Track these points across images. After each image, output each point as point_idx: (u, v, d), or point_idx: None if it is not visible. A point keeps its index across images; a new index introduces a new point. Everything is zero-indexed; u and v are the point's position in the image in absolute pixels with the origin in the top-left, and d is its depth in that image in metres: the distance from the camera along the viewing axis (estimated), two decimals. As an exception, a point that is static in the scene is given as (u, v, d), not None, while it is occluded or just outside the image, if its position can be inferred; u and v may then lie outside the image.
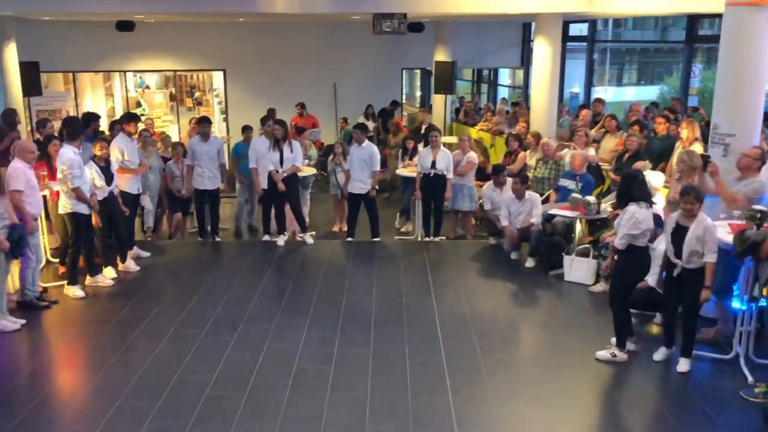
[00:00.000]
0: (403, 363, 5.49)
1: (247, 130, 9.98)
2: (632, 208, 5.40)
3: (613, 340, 5.72)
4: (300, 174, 9.12)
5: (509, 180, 8.58)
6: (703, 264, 5.12)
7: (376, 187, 8.94)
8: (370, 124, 14.04)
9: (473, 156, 9.32)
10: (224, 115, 16.52)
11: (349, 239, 9.04)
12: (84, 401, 5.02)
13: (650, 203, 5.54)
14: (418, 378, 5.25)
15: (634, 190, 5.45)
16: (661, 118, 9.06)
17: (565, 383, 5.24)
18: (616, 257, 5.64)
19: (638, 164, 7.76)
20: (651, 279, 5.76)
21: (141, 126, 8.76)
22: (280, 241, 8.74)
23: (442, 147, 8.91)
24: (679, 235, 5.18)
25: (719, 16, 6.44)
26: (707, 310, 6.18)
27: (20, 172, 6.25)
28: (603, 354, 5.58)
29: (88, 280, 7.14)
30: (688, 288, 5.21)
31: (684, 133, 7.87)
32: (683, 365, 5.34)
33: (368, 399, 4.94)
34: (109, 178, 7.32)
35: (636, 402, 5.06)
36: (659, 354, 5.52)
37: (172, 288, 7.25)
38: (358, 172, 8.73)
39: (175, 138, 13.24)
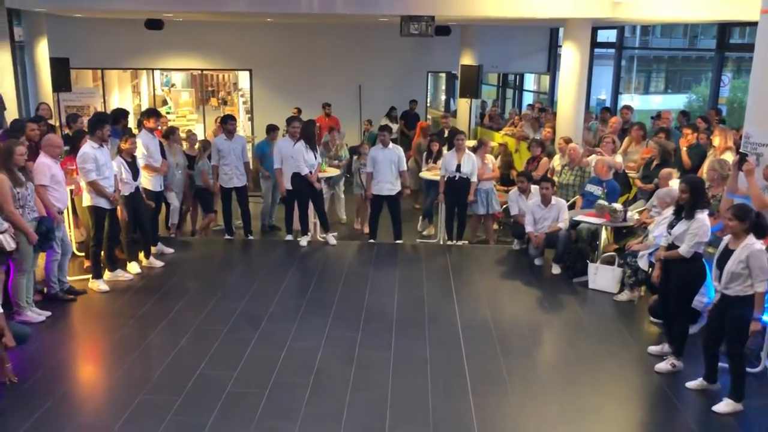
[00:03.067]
0: (424, 366, 5.46)
1: (273, 130, 10.00)
2: (701, 216, 5.31)
3: (653, 348, 5.72)
4: (326, 174, 9.17)
5: (533, 186, 8.54)
6: (745, 293, 4.78)
7: (408, 185, 8.91)
8: (394, 126, 14.03)
9: (493, 159, 9.29)
10: (249, 115, 16.62)
11: (372, 241, 9.02)
12: (106, 395, 5.06)
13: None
14: (438, 381, 5.22)
15: (700, 199, 5.36)
16: (689, 128, 8.92)
17: (588, 391, 5.18)
18: (662, 266, 5.54)
19: (664, 171, 7.67)
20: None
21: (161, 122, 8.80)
22: (303, 241, 8.75)
23: (467, 150, 8.87)
24: (725, 257, 4.89)
25: (752, 24, 6.34)
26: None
27: (45, 166, 6.33)
28: (663, 366, 5.46)
29: (107, 275, 7.20)
30: (729, 318, 4.87)
31: (716, 140, 7.75)
32: (723, 406, 4.88)
33: (389, 401, 4.91)
34: (135, 173, 7.39)
35: (661, 413, 4.98)
36: (694, 383, 5.20)
37: (194, 285, 7.28)
38: (387, 174, 8.72)
39: (200, 136, 13.34)
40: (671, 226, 5.53)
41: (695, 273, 5.35)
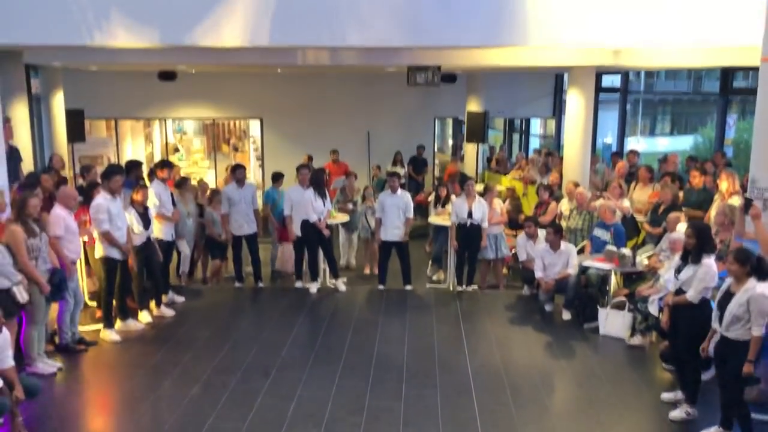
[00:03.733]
0: (435, 416, 5.43)
1: (279, 178, 10.21)
2: (708, 261, 5.35)
3: (666, 395, 5.69)
4: (335, 220, 9.27)
5: (540, 232, 8.57)
6: (746, 337, 4.82)
7: (407, 233, 9.01)
8: (400, 170, 14.18)
9: (500, 203, 9.36)
10: (260, 162, 16.83)
11: (381, 287, 9.04)
12: (117, 447, 5.05)
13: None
14: (450, 431, 5.17)
15: (707, 243, 5.40)
16: (696, 171, 8.98)
17: (601, 441, 5.12)
18: (671, 311, 5.55)
19: (672, 216, 7.69)
20: None
21: (174, 172, 8.94)
22: (313, 288, 8.78)
23: (477, 196, 8.93)
24: (726, 300, 4.94)
25: (754, 68, 6.43)
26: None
27: (60, 218, 6.46)
28: (677, 414, 5.42)
29: (119, 324, 7.24)
30: (729, 361, 4.91)
31: (724, 185, 7.77)
32: (709, 431, 5.06)
33: (400, 452, 4.88)
34: (146, 223, 7.50)
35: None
36: (709, 431, 5.16)
37: (205, 333, 7.31)
38: (394, 219, 8.80)
39: (211, 183, 13.53)
40: (678, 271, 5.54)
41: (704, 318, 5.34)
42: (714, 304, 5.12)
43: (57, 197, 6.68)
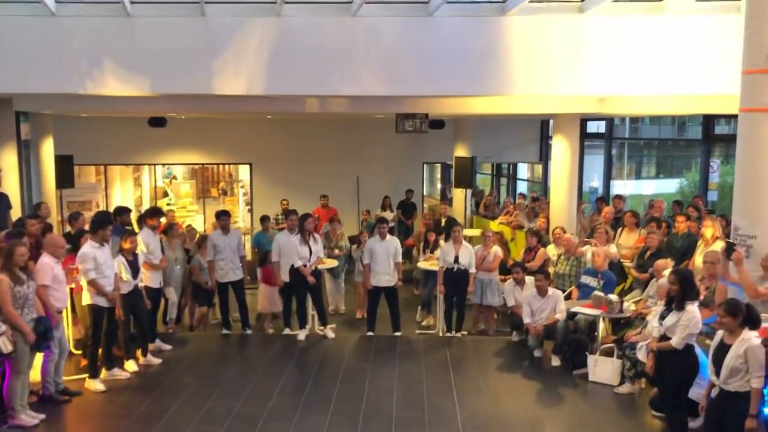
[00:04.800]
0: (424, 467, 5.37)
1: (265, 220, 10.26)
2: (691, 308, 5.40)
3: None
4: (324, 265, 9.26)
5: (528, 278, 8.60)
6: (745, 389, 4.73)
7: (401, 277, 9.05)
8: (388, 215, 14.26)
9: (499, 251, 9.39)
10: (249, 207, 16.87)
11: (370, 333, 9.00)
12: (100, 502, 4.93)
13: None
14: (440, 483, 5.11)
15: (690, 290, 5.45)
16: (682, 216, 9.10)
17: (592, 492, 5.07)
18: (654, 358, 5.56)
19: (660, 262, 7.76)
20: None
21: (164, 220, 8.96)
22: (301, 335, 8.73)
23: (464, 242, 8.98)
24: (721, 352, 4.86)
25: (735, 116, 6.59)
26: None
27: (48, 267, 6.41)
28: None
29: (104, 374, 7.15)
30: (729, 414, 4.79)
31: (708, 232, 7.86)
32: None
33: (389, 506, 4.80)
34: (135, 271, 7.47)
35: None
36: None
37: (192, 382, 7.22)
38: (385, 266, 8.82)
39: (200, 228, 13.52)
40: (662, 317, 5.59)
41: (688, 365, 5.36)
42: (708, 358, 5.07)
43: (44, 246, 6.66)
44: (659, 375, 5.61)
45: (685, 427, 5.49)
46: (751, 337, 4.78)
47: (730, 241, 6.21)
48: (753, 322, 4.84)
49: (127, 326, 7.48)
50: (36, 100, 10.59)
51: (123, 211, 8.80)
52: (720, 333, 5.02)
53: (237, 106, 10.74)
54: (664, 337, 5.52)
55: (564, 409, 6.70)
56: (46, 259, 6.47)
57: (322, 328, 8.91)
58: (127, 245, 7.44)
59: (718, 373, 4.86)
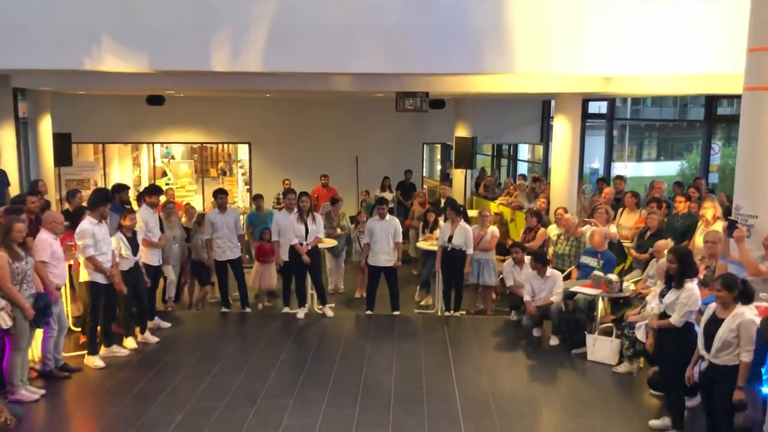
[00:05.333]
0: (422, 443, 5.39)
1: (258, 199, 10.35)
2: (690, 285, 5.42)
3: (654, 422, 5.67)
4: (324, 245, 9.24)
5: (527, 257, 8.59)
6: (734, 362, 4.82)
7: (401, 258, 9.04)
8: (388, 195, 14.23)
9: (495, 230, 9.36)
10: (248, 187, 16.83)
11: (369, 312, 9.01)
12: (99, 476, 4.95)
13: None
14: (438, 460, 5.13)
15: (689, 268, 5.46)
16: (682, 197, 9.07)
17: (589, 469, 5.09)
18: (655, 336, 5.58)
19: (660, 243, 7.74)
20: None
21: (163, 198, 8.94)
22: (300, 313, 8.73)
23: (461, 222, 8.95)
24: (713, 326, 4.94)
25: (738, 96, 6.54)
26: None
27: (46, 243, 6.40)
28: None
29: (103, 350, 7.16)
30: (717, 387, 4.91)
31: (709, 212, 7.84)
32: None
33: (387, 481, 4.82)
34: (135, 248, 7.46)
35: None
36: None
37: (191, 359, 7.23)
38: (384, 246, 8.80)
39: (199, 207, 13.50)
40: (662, 295, 5.59)
41: (688, 343, 5.37)
42: (699, 330, 5.13)
43: (42, 222, 6.63)
44: (659, 353, 5.63)
45: (681, 404, 5.51)
46: (744, 312, 4.84)
47: (732, 218, 6.19)
48: (747, 297, 4.91)
49: (126, 303, 7.47)
50: (34, 76, 10.50)
51: (122, 188, 8.76)
52: (712, 306, 5.07)
53: (236, 84, 10.65)
54: (663, 315, 5.53)
55: (562, 388, 6.71)
56: (44, 236, 6.45)
57: (321, 307, 8.91)
58: (126, 222, 7.42)
59: (708, 346, 4.93)
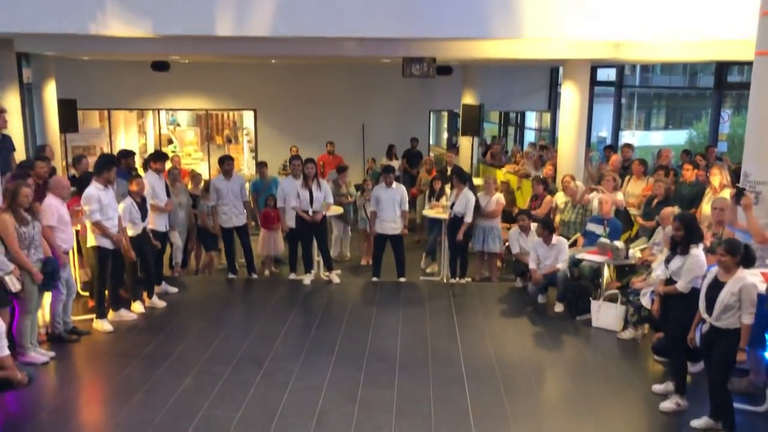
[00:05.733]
0: (428, 406, 5.44)
1: (262, 166, 10.32)
2: (696, 251, 5.43)
3: (657, 387, 5.72)
4: (331, 212, 9.24)
5: (533, 225, 8.58)
6: (735, 325, 4.86)
7: (407, 225, 9.04)
8: (394, 163, 14.18)
9: (500, 197, 9.34)
10: (254, 153, 16.80)
11: (375, 279, 9.04)
12: (109, 436, 5.03)
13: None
14: (442, 422, 5.19)
15: (694, 234, 5.46)
16: (690, 165, 9.01)
17: (591, 429, 5.15)
18: (660, 301, 5.61)
19: (666, 210, 7.70)
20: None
21: (169, 164, 8.94)
22: (307, 279, 8.78)
23: (464, 190, 8.90)
24: (714, 289, 4.97)
25: (749, 63, 6.45)
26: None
27: (53, 208, 6.43)
28: (667, 405, 5.44)
29: (111, 314, 7.23)
30: (717, 350, 4.95)
31: (716, 180, 7.80)
32: (700, 421, 5.11)
33: (392, 442, 4.89)
34: (144, 214, 7.49)
35: (666, 454, 4.94)
36: (700, 422, 5.15)
37: (198, 324, 7.30)
38: (390, 213, 8.80)
39: (205, 175, 13.50)
40: (667, 261, 5.60)
41: (693, 308, 5.38)
42: (701, 294, 5.16)
43: (49, 187, 6.65)
44: (664, 319, 5.65)
45: (684, 369, 5.55)
46: (746, 276, 4.88)
47: (740, 186, 6.16)
48: (749, 262, 4.95)
49: (134, 269, 7.52)
50: (37, 40, 10.42)
51: (128, 154, 8.76)
52: (714, 270, 5.08)
53: (241, 49, 10.55)
54: (669, 282, 5.54)
55: (566, 354, 6.76)
56: (51, 200, 6.48)
57: (327, 273, 8.95)
58: (134, 187, 7.43)
59: (710, 310, 4.95)
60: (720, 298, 4.89)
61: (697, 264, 5.40)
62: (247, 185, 9.83)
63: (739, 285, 4.83)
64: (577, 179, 9.74)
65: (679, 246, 5.50)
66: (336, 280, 8.84)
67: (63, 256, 6.54)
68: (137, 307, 7.54)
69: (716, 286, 4.97)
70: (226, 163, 9.03)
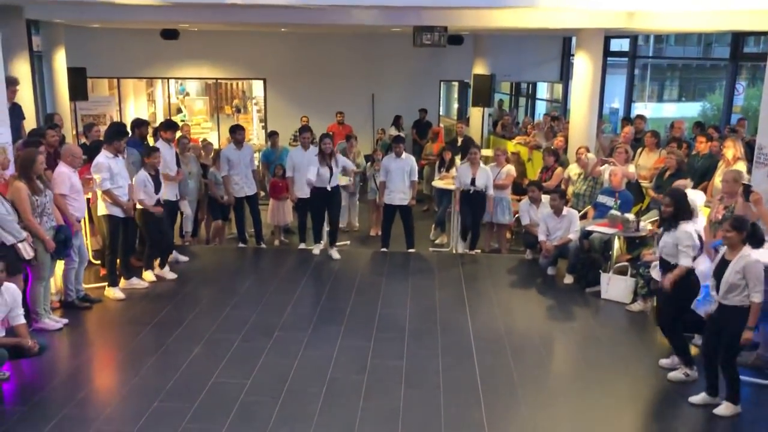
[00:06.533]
0: (436, 376, 5.49)
1: (273, 135, 10.31)
2: (685, 226, 5.41)
3: (663, 361, 5.74)
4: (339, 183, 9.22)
5: (544, 196, 8.54)
6: (743, 303, 4.80)
7: (415, 197, 9.00)
8: (394, 132, 14.13)
9: (511, 169, 9.29)
10: (263, 123, 16.75)
11: (384, 249, 9.06)
12: (121, 402, 5.10)
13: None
14: (451, 391, 5.24)
15: (683, 210, 5.44)
16: (703, 137, 8.92)
17: (600, 402, 5.18)
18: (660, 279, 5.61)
19: (680, 182, 7.65)
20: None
21: (179, 133, 8.92)
22: (316, 249, 8.79)
23: (481, 164, 8.85)
24: (722, 268, 4.92)
25: (765, 33, 6.32)
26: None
27: (65, 176, 6.45)
28: (675, 375, 5.49)
29: (123, 283, 7.29)
30: (726, 328, 4.89)
31: (729, 152, 7.72)
32: (723, 409, 4.99)
33: (401, 411, 4.94)
34: (158, 186, 7.46)
35: (673, 424, 4.96)
36: (698, 398, 5.15)
37: (208, 293, 7.35)
38: (398, 184, 8.77)
39: (215, 144, 13.48)
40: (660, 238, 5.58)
41: (690, 284, 5.38)
42: (709, 273, 5.12)
43: (61, 155, 6.66)
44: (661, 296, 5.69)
45: (686, 344, 5.54)
46: (750, 254, 4.81)
47: (746, 183, 6.12)
48: (755, 241, 4.86)
49: (151, 239, 7.54)
50: (47, 7, 10.36)
51: (141, 123, 8.75)
52: (722, 249, 5.05)
53: (251, 17, 10.43)
54: (662, 261, 5.52)
55: (575, 325, 6.78)
56: (63, 168, 6.50)
57: (330, 247, 8.74)
58: (149, 160, 7.39)
59: (718, 288, 4.92)
60: (725, 278, 4.84)
61: (689, 237, 5.38)
62: (257, 155, 9.82)
63: (743, 263, 4.78)
64: (589, 151, 9.66)
65: (667, 222, 5.49)
66: (336, 256, 8.63)
67: (75, 224, 6.57)
68: (149, 275, 7.59)
69: (723, 264, 4.93)
70: (237, 133, 9.01)
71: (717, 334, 4.99)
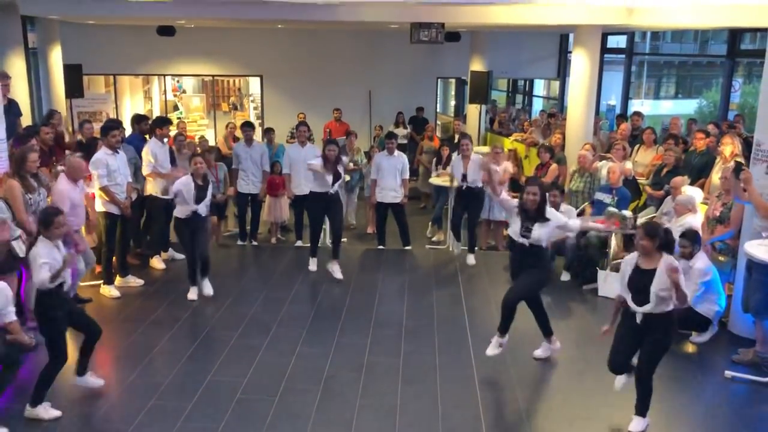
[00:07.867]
0: (433, 373, 5.48)
1: (269, 132, 10.32)
2: (553, 211, 5.57)
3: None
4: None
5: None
6: (667, 310, 4.49)
7: (407, 195, 8.95)
8: (401, 131, 14.10)
9: (509, 166, 9.26)
10: (260, 120, 16.70)
11: (380, 247, 9.03)
12: (117, 401, 5.09)
13: None
14: (448, 388, 5.23)
15: (547, 200, 5.52)
16: (701, 134, 8.91)
17: (597, 399, 5.17)
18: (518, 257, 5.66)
19: (677, 179, 7.64)
20: None
21: (174, 130, 8.89)
22: (312, 266, 8.17)
23: (473, 157, 8.69)
24: (639, 277, 4.53)
25: (763, 30, 6.31)
26: (746, 330, 6.07)
27: (64, 196, 6.23)
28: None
29: (118, 280, 7.25)
30: (651, 337, 4.56)
31: (727, 149, 7.71)
32: (634, 425, 4.68)
33: (398, 408, 4.93)
34: (201, 194, 7.05)
35: (671, 422, 4.96)
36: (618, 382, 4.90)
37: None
38: (391, 182, 8.72)
39: (211, 142, 13.45)
40: (527, 231, 5.44)
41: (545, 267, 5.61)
42: (624, 284, 4.65)
43: (66, 170, 6.45)
44: (516, 274, 5.76)
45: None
46: (672, 261, 4.45)
47: (739, 161, 6.11)
48: (668, 247, 4.57)
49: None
50: (42, 3, 10.30)
51: (141, 119, 8.69)
52: (630, 259, 4.67)
53: (247, 13, 10.40)
54: (527, 250, 5.52)
55: (571, 322, 6.77)
56: (62, 186, 6.28)
57: (331, 263, 7.87)
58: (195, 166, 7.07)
59: (636, 300, 4.54)
60: (654, 291, 4.43)
61: (561, 219, 5.57)
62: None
63: (675, 273, 4.34)
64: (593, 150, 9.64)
65: (537, 214, 5.36)
66: (338, 276, 7.72)
67: (75, 236, 6.41)
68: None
69: (640, 273, 4.54)
70: (246, 130, 9.04)
71: (634, 340, 4.66)
